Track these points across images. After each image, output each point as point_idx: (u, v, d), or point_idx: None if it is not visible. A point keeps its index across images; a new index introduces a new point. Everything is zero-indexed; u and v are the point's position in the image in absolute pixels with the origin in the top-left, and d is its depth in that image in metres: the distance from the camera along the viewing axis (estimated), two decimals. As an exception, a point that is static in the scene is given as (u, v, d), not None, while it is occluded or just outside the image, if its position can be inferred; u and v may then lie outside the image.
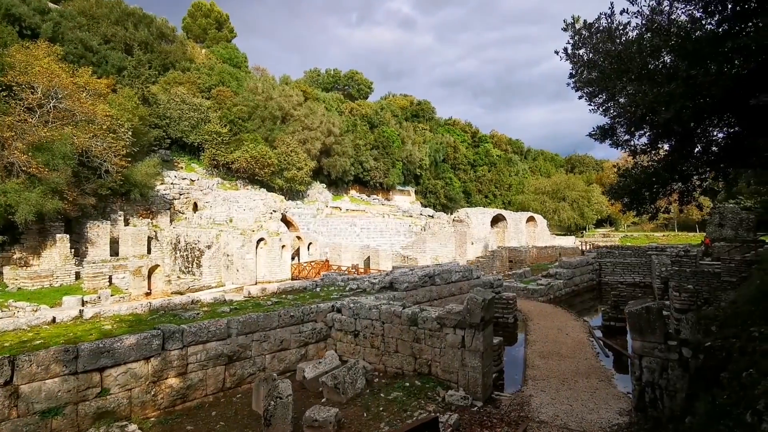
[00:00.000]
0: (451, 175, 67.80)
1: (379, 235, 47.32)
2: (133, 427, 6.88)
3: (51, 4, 44.62)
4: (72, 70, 29.16)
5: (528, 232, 38.41)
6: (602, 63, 7.41)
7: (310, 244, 32.22)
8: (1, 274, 21.30)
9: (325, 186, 55.86)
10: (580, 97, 8.27)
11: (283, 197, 38.39)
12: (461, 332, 8.74)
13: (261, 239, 28.02)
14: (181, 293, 23.00)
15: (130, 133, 29.18)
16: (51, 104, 25.92)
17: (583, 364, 10.90)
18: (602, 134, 8.97)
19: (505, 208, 63.91)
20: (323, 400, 8.29)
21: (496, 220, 37.67)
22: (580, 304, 21.00)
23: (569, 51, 8.67)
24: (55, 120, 26.05)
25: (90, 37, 42.89)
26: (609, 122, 8.54)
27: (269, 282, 26.95)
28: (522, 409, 8.15)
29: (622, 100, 7.66)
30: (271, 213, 29.29)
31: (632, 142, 8.45)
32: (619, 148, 8.66)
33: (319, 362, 9.23)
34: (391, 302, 10.31)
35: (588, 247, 34.40)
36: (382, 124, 64.94)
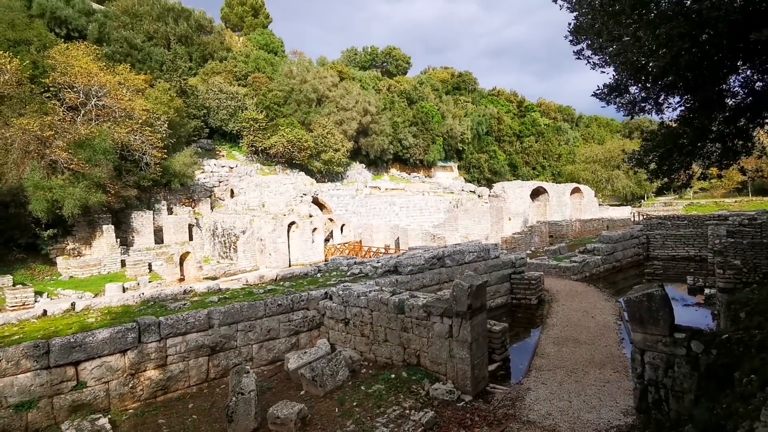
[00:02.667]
0: (495, 148, 65.12)
1: (419, 213, 46.64)
2: (104, 420, 6.96)
3: (95, 5, 46.75)
4: (111, 68, 30.55)
5: (573, 205, 36.00)
6: (597, 5, 6.21)
7: (344, 225, 32.20)
8: (56, 264, 23.04)
9: (364, 166, 55.57)
10: (576, 53, 7.05)
11: (313, 180, 38.58)
12: (448, 321, 8.08)
13: (292, 223, 28.33)
14: (215, 278, 23.83)
15: (166, 125, 30.23)
16: (92, 103, 27.36)
17: (601, 352, 9.85)
18: (609, 92, 7.71)
19: (554, 180, 60.58)
20: (302, 392, 8.03)
21: (537, 193, 35.63)
22: (622, 281, 19.36)
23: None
24: (97, 117, 27.50)
25: (134, 35, 44.41)
26: (613, 78, 7.26)
27: (303, 264, 27.32)
28: (513, 406, 7.42)
29: (613, 49, 6.40)
30: (302, 196, 29.48)
31: (648, 102, 7.13)
32: (619, 108, 7.37)
33: (305, 352, 8.96)
34: (383, 288, 9.79)
35: (641, 217, 31.66)
36: (421, 100, 63.15)
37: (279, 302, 9.47)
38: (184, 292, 10.03)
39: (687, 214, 29.72)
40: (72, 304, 8.84)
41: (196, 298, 9.68)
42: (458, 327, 7.94)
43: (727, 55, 5.56)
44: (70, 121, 24.98)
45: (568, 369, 9.00)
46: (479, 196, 49.97)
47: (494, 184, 36.87)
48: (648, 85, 6.68)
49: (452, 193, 52.25)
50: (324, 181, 46.98)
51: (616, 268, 20.26)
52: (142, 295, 9.40)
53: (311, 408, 7.23)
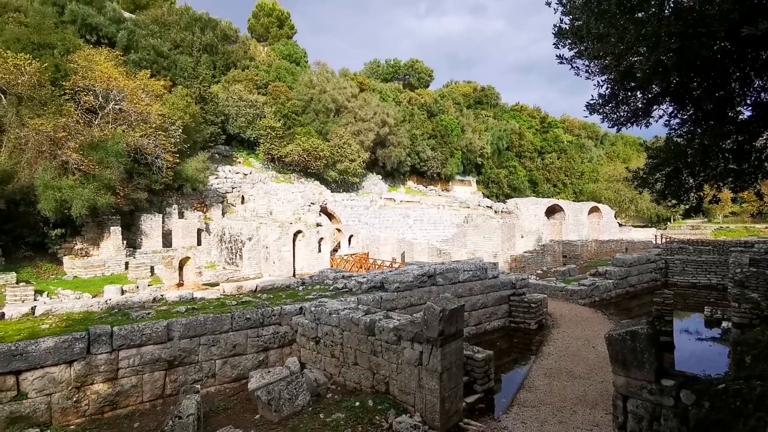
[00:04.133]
0: (515, 164, 63.85)
1: (432, 227, 45.87)
2: (41, 435, 6.54)
3: (126, 14, 48.31)
4: (132, 74, 31.22)
5: (591, 224, 34.57)
6: (581, 3, 5.55)
7: (351, 236, 31.72)
8: (62, 263, 23.28)
9: (380, 177, 55.22)
10: (558, 57, 6.34)
11: (323, 189, 38.30)
12: (419, 347, 7.40)
13: (299, 231, 28.02)
14: (216, 284, 23.63)
15: (180, 130, 30.56)
16: (110, 106, 27.92)
17: (596, 388, 8.93)
18: (605, 102, 6.95)
19: (575, 198, 58.83)
20: (257, 416, 7.45)
21: (553, 210, 34.37)
22: (637, 308, 18.13)
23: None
24: (115, 121, 28.02)
25: (161, 43, 45.43)
26: (608, 87, 6.52)
27: (308, 274, 26.89)
28: (483, 447, 6.65)
29: (595, 49, 5.67)
30: (310, 205, 29.19)
31: (637, 113, 6.37)
32: (604, 119, 6.60)
33: (269, 371, 8.38)
34: (359, 306, 9.16)
35: (663, 240, 30.08)
36: (442, 113, 62.66)
37: (247, 316, 8.96)
38: (154, 300, 9.65)
39: (712, 239, 28.05)
40: (32, 308, 8.55)
41: (163, 308, 9.27)
42: (428, 354, 7.25)
43: (725, 60, 4.82)
44: (85, 123, 25.44)
45: (555, 406, 8.15)
46: (496, 211, 48.82)
47: (507, 200, 35.77)
48: (634, 92, 5.94)
49: (468, 207, 51.22)
50: (339, 191, 46.80)
51: (629, 293, 19.03)
52: (108, 301, 9.05)
53: (259, 436, 6.64)
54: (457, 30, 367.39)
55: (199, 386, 7.07)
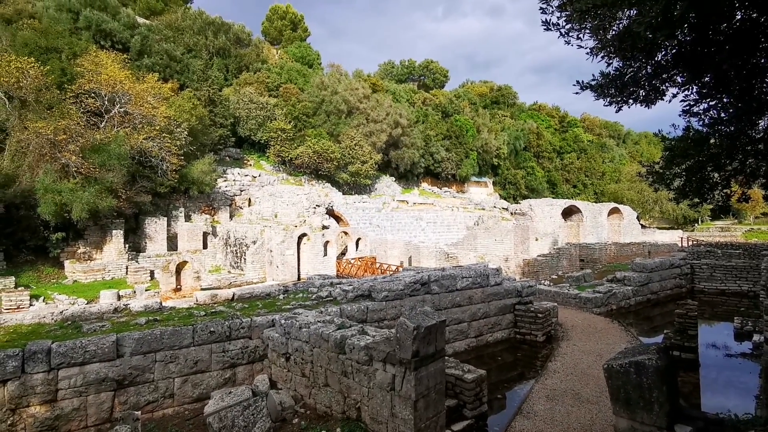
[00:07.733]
0: (533, 164, 62.02)
1: (446, 229, 44.67)
2: (-41, 466, 5.81)
3: (140, 19, 48.75)
4: (141, 77, 31.16)
5: (611, 227, 32.81)
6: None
7: (359, 239, 30.82)
8: (64, 267, 23.09)
9: (394, 179, 54.33)
10: (544, 23, 5.23)
11: (329, 191, 37.56)
12: (392, 370, 6.41)
13: (303, 235, 27.29)
14: (219, 288, 23.08)
15: (186, 132, 30.26)
16: (115, 109, 27.81)
17: (605, 417, 7.79)
18: (608, 83, 5.82)
19: (596, 199, 56.65)
20: (207, 446, 6.58)
21: (570, 212, 32.75)
22: (659, 317, 16.67)
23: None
24: (121, 124, 27.88)
25: (174, 48, 45.59)
26: (604, 56, 5.39)
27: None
28: (462, 491, 5.61)
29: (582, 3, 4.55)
30: (315, 207, 28.44)
31: (640, 85, 5.23)
32: (599, 96, 5.49)
33: (230, 392, 7.52)
34: (334, 319, 8.21)
35: (688, 243, 28.23)
36: (457, 113, 61.35)
37: (212, 329, 8.12)
38: (115, 310, 8.92)
39: (742, 242, 26.13)
40: (-21, 320, 7.93)
41: (123, 319, 8.53)
42: (401, 379, 6.25)
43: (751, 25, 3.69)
44: (89, 126, 25.30)
45: (554, 438, 7.04)
46: (512, 213, 47.27)
47: (521, 201, 34.33)
48: (637, 60, 4.82)
49: (483, 209, 49.80)
50: (351, 193, 46.06)
51: (651, 301, 17.56)
52: (62, 312, 8.36)
53: (200, 473, 5.77)
54: (475, 32, 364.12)
55: (138, 413, 6.25)
